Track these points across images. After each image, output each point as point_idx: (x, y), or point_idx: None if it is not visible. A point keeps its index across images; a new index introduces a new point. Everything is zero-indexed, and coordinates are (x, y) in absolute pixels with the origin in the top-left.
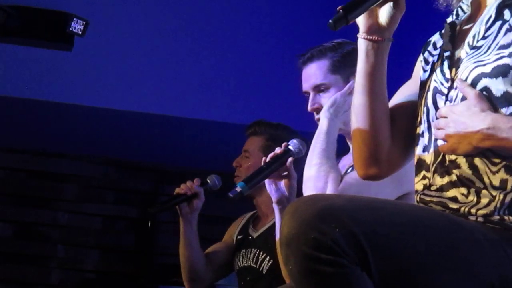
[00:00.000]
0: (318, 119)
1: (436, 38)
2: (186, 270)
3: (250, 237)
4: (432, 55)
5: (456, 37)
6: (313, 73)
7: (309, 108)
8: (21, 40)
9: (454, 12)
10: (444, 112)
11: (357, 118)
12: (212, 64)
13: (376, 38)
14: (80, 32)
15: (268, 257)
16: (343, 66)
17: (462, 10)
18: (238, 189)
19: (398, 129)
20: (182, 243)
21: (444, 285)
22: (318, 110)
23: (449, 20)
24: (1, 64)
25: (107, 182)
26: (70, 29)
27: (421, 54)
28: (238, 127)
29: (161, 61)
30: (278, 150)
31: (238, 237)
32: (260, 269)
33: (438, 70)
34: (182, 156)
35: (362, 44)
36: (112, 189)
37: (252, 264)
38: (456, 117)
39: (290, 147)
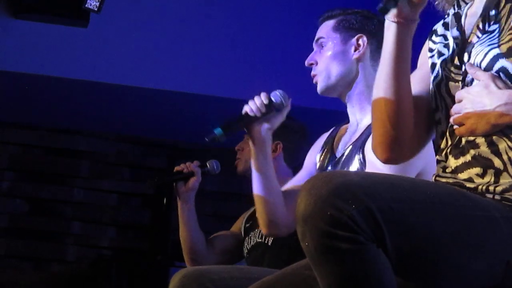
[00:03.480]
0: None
1: (439, 27)
2: (186, 250)
3: (256, 220)
4: (435, 43)
5: (463, 25)
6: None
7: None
8: (37, 16)
9: (455, 4)
10: (460, 96)
11: (385, 101)
12: (226, 41)
13: (405, 20)
14: (96, 9)
15: None
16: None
17: (464, 1)
18: (215, 134)
19: (417, 112)
20: (180, 222)
21: (460, 262)
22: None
23: (451, 12)
24: (16, 40)
25: (122, 159)
26: (86, 5)
27: (427, 43)
28: None
29: (176, 37)
30: (263, 99)
31: (247, 224)
32: (266, 241)
33: (448, 58)
34: (196, 133)
35: (391, 27)
36: (127, 166)
37: (258, 240)
38: (473, 97)
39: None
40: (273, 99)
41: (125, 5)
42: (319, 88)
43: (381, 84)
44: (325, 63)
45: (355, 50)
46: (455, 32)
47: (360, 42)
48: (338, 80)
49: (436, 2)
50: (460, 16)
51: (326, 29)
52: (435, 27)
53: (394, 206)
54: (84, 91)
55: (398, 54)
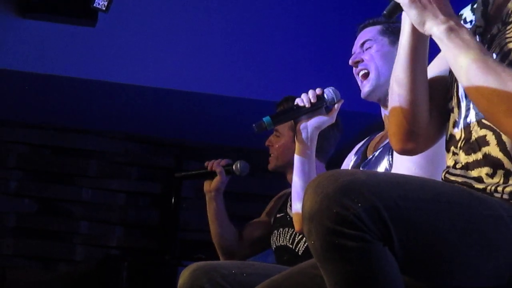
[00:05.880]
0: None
1: (467, 12)
2: (218, 246)
3: (288, 216)
4: None
5: (488, 13)
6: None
7: None
8: (45, 16)
9: None
10: None
11: (398, 91)
12: (234, 40)
13: None
14: (104, 8)
15: (304, 238)
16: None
17: None
18: (263, 122)
19: (434, 103)
20: (209, 220)
21: (466, 261)
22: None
23: None
24: (25, 40)
25: (130, 158)
26: (94, 5)
27: None
28: (259, 103)
29: (183, 37)
30: (317, 91)
31: (278, 215)
32: (296, 250)
33: None
34: (204, 132)
35: (407, 18)
36: (135, 165)
37: (288, 244)
38: None
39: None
40: (325, 94)
41: (133, 4)
42: (367, 89)
43: (397, 74)
44: (375, 61)
45: None
46: (479, 20)
47: None
48: (387, 81)
49: None
50: (488, 2)
51: (372, 33)
52: (462, 12)
53: (401, 205)
54: (92, 90)
55: (414, 45)
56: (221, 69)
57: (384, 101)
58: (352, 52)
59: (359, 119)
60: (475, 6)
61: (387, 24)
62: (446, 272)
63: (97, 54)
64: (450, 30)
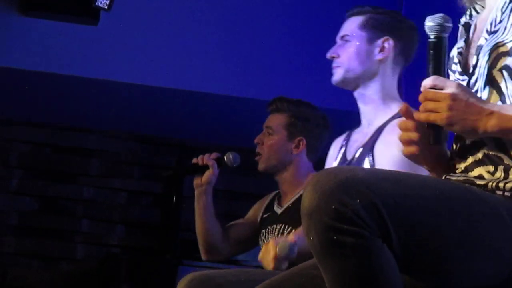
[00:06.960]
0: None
1: (454, 52)
2: (203, 242)
3: (275, 214)
4: (454, 68)
5: (470, 37)
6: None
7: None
8: (47, 14)
9: (468, 13)
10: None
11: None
12: (235, 40)
13: None
14: (106, 7)
15: (293, 230)
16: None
17: (476, 10)
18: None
19: None
20: (196, 214)
21: (465, 259)
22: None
23: (463, 21)
24: (26, 38)
25: (132, 158)
26: (96, 3)
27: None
28: (261, 102)
29: (185, 36)
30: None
31: (264, 215)
32: None
33: (455, 67)
34: (206, 132)
35: None
36: (137, 165)
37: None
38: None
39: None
40: None
41: (135, 3)
42: (335, 78)
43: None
44: (348, 58)
45: (379, 51)
46: (461, 43)
47: (386, 44)
48: (357, 77)
49: None
50: (469, 27)
51: (352, 26)
52: (452, 53)
53: (399, 202)
54: (94, 89)
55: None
56: (222, 69)
57: (359, 93)
58: (336, 40)
59: (352, 118)
60: (459, 37)
61: (369, 16)
62: (444, 270)
63: (99, 53)
64: (498, 122)
